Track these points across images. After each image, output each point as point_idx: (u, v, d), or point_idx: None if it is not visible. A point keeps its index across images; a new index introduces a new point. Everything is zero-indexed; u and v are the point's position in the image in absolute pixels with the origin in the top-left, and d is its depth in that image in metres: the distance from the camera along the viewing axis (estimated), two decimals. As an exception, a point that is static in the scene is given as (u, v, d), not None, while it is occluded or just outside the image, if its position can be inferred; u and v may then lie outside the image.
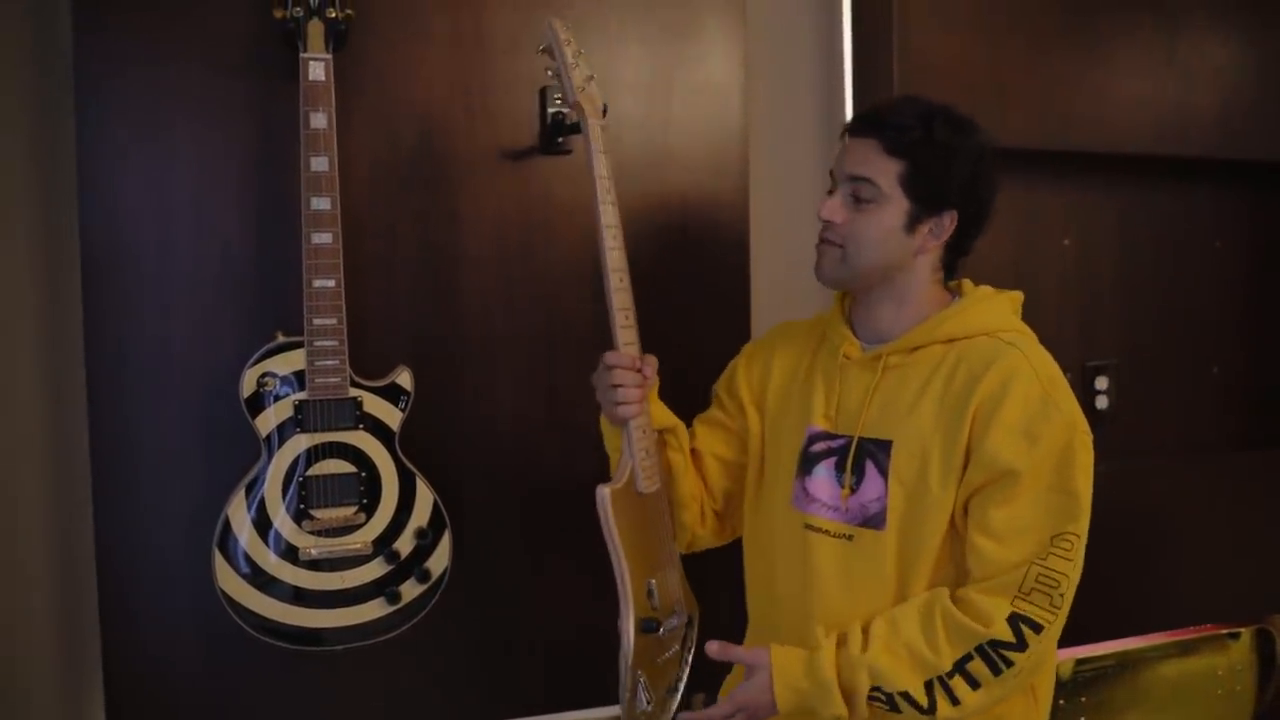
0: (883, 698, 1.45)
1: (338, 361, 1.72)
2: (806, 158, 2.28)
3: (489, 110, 1.92)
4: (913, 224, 1.53)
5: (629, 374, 1.58)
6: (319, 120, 1.68)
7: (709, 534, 1.78)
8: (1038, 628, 1.44)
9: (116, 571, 1.79)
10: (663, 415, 1.70)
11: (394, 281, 1.89)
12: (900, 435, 1.53)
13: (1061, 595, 1.45)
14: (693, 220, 2.07)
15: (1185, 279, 2.69)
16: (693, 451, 1.75)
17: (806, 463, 1.62)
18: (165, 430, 1.79)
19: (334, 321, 1.71)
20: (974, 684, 1.44)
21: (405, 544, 1.80)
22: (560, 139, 1.94)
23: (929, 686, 1.45)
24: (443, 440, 1.91)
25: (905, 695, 1.45)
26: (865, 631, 1.49)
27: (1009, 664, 1.44)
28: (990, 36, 2.24)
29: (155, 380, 1.78)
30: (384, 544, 1.78)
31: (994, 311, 1.59)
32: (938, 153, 1.51)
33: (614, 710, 2.10)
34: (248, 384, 1.71)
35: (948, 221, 1.54)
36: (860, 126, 1.56)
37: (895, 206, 1.52)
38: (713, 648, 1.51)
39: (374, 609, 1.79)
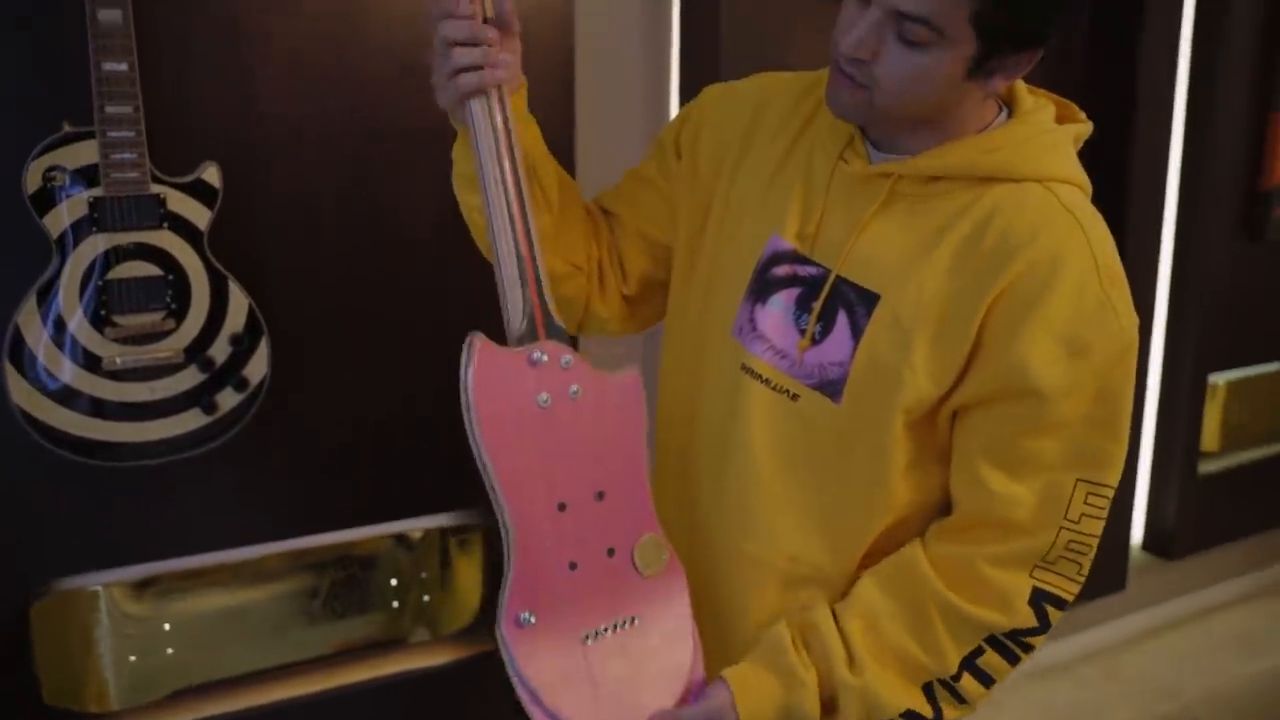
0: None
1: (135, 155, 1.58)
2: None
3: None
4: (979, 67, 1.06)
5: (473, 25, 1.08)
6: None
7: (614, 317, 1.35)
8: (1061, 603, 1.13)
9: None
10: (528, 138, 1.19)
11: (192, 67, 1.72)
12: (892, 292, 1.12)
13: (1088, 562, 1.14)
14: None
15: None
16: (605, 213, 1.35)
17: (762, 286, 1.21)
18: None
19: (129, 110, 1.55)
20: (986, 681, 1.16)
21: (220, 351, 1.70)
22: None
23: (929, 691, 1.16)
24: (256, 241, 1.79)
25: (909, 714, 1.15)
26: (841, 630, 1.15)
27: (1028, 649, 1.15)
28: None
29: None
30: (197, 352, 1.68)
31: (1055, 151, 1.14)
32: None
33: (441, 519, 2.10)
34: (31, 179, 1.55)
35: (1025, 62, 1.07)
36: None
37: (958, 51, 1.03)
38: None
39: (190, 420, 1.70)
